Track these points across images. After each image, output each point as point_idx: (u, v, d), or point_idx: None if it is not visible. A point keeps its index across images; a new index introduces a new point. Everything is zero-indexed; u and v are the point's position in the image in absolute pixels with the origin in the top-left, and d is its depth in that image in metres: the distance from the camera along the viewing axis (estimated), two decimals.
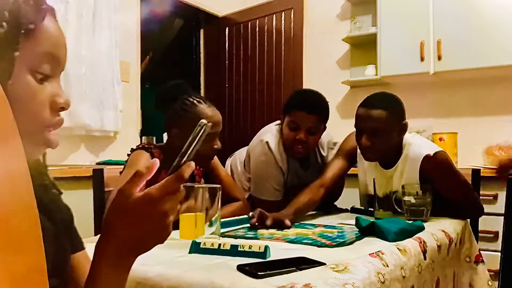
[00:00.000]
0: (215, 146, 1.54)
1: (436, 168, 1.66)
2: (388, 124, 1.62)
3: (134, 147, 1.58)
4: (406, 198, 1.60)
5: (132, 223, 0.60)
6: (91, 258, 0.62)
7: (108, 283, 0.61)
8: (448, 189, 1.69)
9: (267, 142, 1.90)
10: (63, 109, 0.63)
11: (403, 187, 1.63)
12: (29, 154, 0.65)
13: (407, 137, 1.76)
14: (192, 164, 0.62)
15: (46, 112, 0.60)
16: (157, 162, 0.63)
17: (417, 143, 1.74)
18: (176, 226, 1.31)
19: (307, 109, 1.81)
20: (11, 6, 0.53)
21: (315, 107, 1.83)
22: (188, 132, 1.54)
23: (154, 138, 2.97)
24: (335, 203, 2.08)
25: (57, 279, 0.65)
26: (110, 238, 0.61)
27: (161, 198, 0.60)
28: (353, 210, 1.91)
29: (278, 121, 1.99)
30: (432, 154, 1.67)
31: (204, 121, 0.63)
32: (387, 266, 0.97)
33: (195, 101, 1.54)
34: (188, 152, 0.62)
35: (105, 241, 0.61)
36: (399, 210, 1.68)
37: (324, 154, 2.04)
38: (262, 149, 1.91)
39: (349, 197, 2.13)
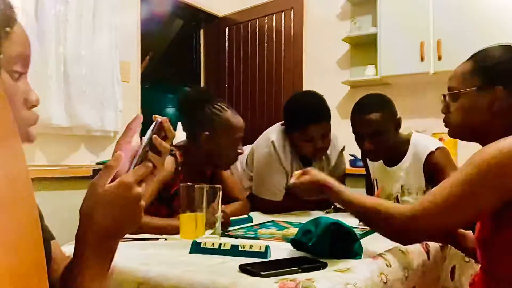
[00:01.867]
0: (240, 151, 1.64)
1: (437, 163, 1.71)
2: (384, 124, 1.70)
3: None
4: (405, 198, 1.60)
5: (110, 209, 0.64)
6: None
7: (92, 270, 0.63)
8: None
9: (272, 142, 1.91)
10: (34, 106, 0.66)
11: (402, 187, 1.63)
12: None
13: (413, 136, 1.82)
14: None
15: (22, 110, 0.64)
16: (122, 155, 0.68)
17: (423, 141, 1.80)
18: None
19: (318, 120, 1.82)
20: None
21: (324, 115, 1.86)
22: (219, 137, 1.59)
23: None
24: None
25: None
26: (90, 227, 0.64)
27: (134, 183, 0.65)
28: None
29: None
30: (434, 150, 1.73)
31: (158, 117, 0.71)
32: (390, 266, 0.96)
33: (224, 107, 1.63)
34: (150, 144, 0.69)
35: (85, 230, 0.64)
36: None
37: (328, 152, 2.04)
38: (267, 149, 1.92)
39: None
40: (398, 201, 1.67)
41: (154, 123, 0.70)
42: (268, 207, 1.88)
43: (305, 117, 1.83)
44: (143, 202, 0.67)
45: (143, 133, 0.72)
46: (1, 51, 0.57)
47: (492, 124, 1.05)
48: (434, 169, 1.72)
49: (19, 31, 0.63)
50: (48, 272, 0.71)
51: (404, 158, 1.79)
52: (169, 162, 1.50)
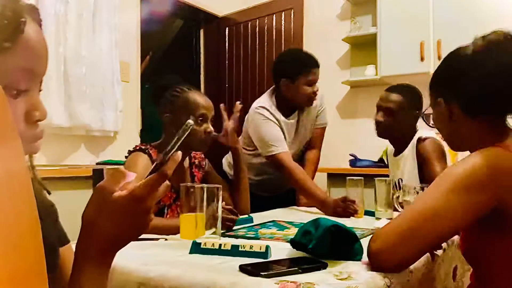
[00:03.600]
0: (208, 130, 1.57)
1: (424, 152, 1.84)
2: (400, 107, 1.89)
3: (131, 149, 1.58)
4: (406, 198, 1.60)
5: (116, 221, 0.60)
6: None
7: (92, 281, 0.61)
8: (428, 175, 1.78)
9: (261, 106, 2.13)
10: (39, 121, 0.61)
11: (403, 186, 1.64)
12: None
13: (419, 130, 1.95)
14: (178, 156, 0.62)
15: (20, 126, 0.59)
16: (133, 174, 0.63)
17: (422, 133, 1.91)
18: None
19: (318, 65, 2.16)
20: None
21: (318, 63, 2.18)
22: (179, 117, 1.57)
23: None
24: None
25: (49, 274, 0.65)
26: (93, 237, 0.60)
27: (145, 197, 0.60)
28: None
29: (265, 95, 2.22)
30: (423, 138, 1.86)
31: (191, 121, 0.63)
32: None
33: (184, 88, 1.60)
34: (172, 151, 0.62)
35: (87, 239, 0.61)
36: (399, 210, 1.68)
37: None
38: (258, 111, 2.12)
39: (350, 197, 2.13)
40: (399, 204, 1.68)
41: (183, 126, 0.63)
42: (283, 160, 2.01)
43: (310, 61, 2.15)
44: (152, 215, 0.62)
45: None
46: None
47: (460, 131, 1.05)
48: (422, 158, 1.85)
49: (29, 43, 0.56)
50: (55, 281, 0.70)
51: (406, 148, 1.93)
52: (144, 159, 1.49)
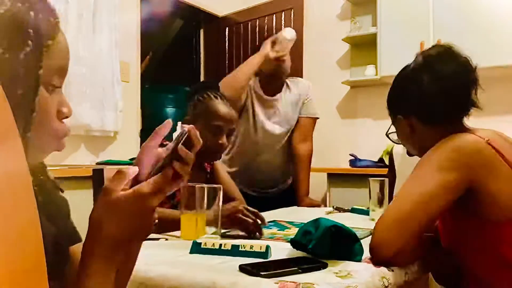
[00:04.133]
0: (220, 141, 1.58)
1: None
2: None
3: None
4: None
5: (122, 219, 0.60)
6: None
7: (99, 282, 0.61)
8: None
9: None
10: (66, 117, 0.64)
11: None
12: (37, 159, 0.66)
13: None
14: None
15: (55, 122, 0.62)
16: (142, 161, 0.65)
17: None
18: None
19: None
20: (33, 24, 0.54)
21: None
22: (197, 123, 1.58)
23: None
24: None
25: (57, 281, 0.65)
26: (100, 236, 0.61)
27: (152, 195, 0.61)
28: (354, 210, 1.91)
29: None
30: None
31: (185, 129, 0.65)
32: (392, 270, 0.95)
33: (211, 95, 1.60)
34: (174, 153, 0.64)
35: (94, 239, 0.61)
36: None
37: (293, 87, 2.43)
38: None
39: (350, 197, 2.14)
40: None
41: (180, 131, 0.64)
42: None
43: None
44: (156, 215, 0.63)
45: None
46: (41, 66, 0.55)
47: (424, 140, 1.14)
48: None
49: (61, 41, 0.60)
50: (65, 279, 0.70)
51: None
52: None
